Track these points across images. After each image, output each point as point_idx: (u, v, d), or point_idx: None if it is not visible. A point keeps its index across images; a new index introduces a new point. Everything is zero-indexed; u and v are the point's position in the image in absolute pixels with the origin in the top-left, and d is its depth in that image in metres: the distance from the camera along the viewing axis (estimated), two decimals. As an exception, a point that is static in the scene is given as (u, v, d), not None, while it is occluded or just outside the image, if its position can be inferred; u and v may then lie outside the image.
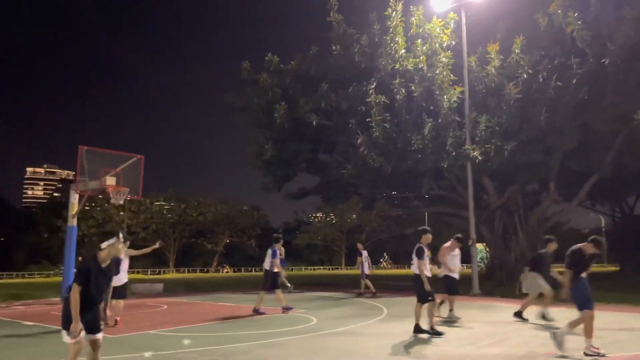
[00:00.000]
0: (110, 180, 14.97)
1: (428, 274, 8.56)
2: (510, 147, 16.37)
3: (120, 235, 5.09)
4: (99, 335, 5.10)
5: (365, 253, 17.54)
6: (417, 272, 8.52)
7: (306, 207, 73.71)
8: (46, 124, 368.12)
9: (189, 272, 54.31)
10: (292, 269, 50.02)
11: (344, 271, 54.90)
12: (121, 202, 16.06)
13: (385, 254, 53.11)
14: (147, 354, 6.86)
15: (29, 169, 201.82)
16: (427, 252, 8.59)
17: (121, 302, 10.17)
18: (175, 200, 55.45)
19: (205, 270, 55.56)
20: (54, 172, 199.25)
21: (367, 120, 18.03)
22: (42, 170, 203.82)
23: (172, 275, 47.22)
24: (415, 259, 8.57)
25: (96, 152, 15.51)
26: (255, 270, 56.57)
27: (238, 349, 7.31)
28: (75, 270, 4.62)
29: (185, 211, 54.66)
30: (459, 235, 10.85)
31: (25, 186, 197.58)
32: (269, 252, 11.83)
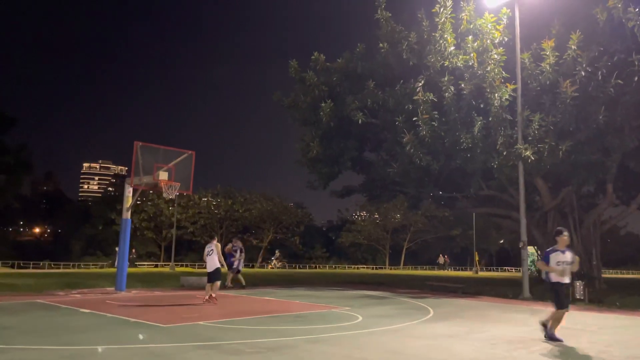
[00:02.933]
0: (163, 175, 15.45)
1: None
2: (566, 146, 15.75)
3: None
4: None
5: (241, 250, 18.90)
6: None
7: (350, 205, 73.39)
8: (100, 121, 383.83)
9: (234, 266, 55.30)
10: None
11: (388, 270, 54.48)
12: (173, 196, 16.54)
13: (277, 251, 49.07)
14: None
15: (85, 164, 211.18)
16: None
17: (217, 283, 12.76)
18: (222, 196, 56.62)
19: (251, 265, 56.52)
20: (108, 168, 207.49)
21: (414, 118, 17.80)
22: (97, 165, 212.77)
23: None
24: None
25: (150, 147, 16.04)
26: (299, 267, 57.08)
27: (284, 343, 7.40)
28: None
29: (232, 207, 55.68)
30: None
31: (81, 181, 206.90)
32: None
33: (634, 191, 21.74)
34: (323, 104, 20.02)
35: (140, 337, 7.38)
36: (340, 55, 22.20)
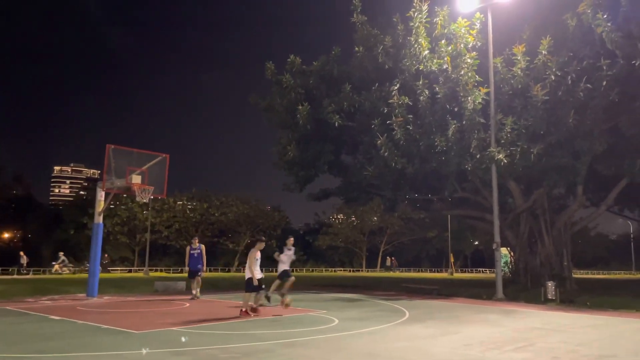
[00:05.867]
0: (136, 179, 15.21)
1: None
2: (537, 149, 16.07)
3: None
4: None
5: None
6: None
7: (327, 208, 73.55)
8: (73, 123, 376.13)
9: (210, 271, 54.79)
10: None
11: (365, 273, 54.71)
12: (146, 200, 16.29)
13: (60, 253, 41.65)
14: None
15: (56, 168, 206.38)
16: None
17: (248, 295, 11.02)
18: (197, 200, 56.02)
19: (227, 269, 56.01)
20: (80, 171, 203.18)
21: (388, 122, 17.93)
22: (68, 168, 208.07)
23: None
24: None
25: (123, 150, 15.78)
26: (275, 271, 56.71)
27: (260, 348, 7.33)
28: None
29: (207, 211, 55.14)
30: None
31: (52, 184, 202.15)
32: None
33: (603, 193, 22.30)
34: (300, 107, 20.00)
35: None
36: (316, 58, 22.25)
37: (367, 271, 60.26)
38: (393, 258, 61.02)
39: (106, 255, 40.92)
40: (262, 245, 11.39)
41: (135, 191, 15.37)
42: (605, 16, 15.21)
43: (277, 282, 13.94)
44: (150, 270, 43.37)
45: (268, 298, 12.97)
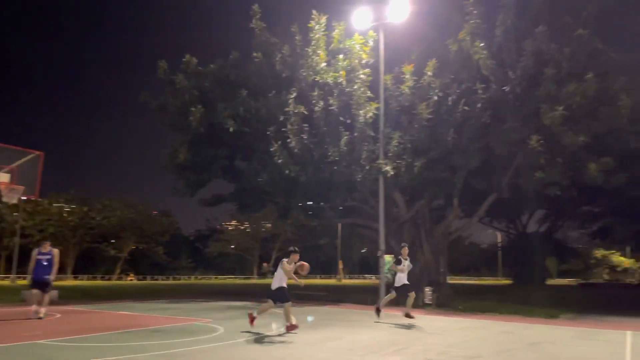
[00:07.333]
0: (3, 177, 13.71)
1: None
2: (420, 163, 17.15)
3: None
4: None
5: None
6: None
7: (220, 214, 72.20)
8: None
9: (89, 279, 51.00)
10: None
11: (256, 280, 54.40)
12: (15, 201, 14.78)
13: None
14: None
15: None
16: None
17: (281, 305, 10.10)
18: (77, 202, 51.98)
19: (107, 277, 52.54)
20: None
21: (283, 129, 18.08)
22: None
23: (69, 282, 44.12)
24: None
25: (-12, 145, 14.18)
26: (162, 279, 54.43)
27: (137, 360, 6.95)
28: None
29: (87, 214, 51.40)
30: None
31: None
32: None
33: (476, 205, 24.36)
34: (193, 109, 19.44)
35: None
36: (212, 61, 21.80)
37: (259, 278, 60.05)
38: (269, 264, 61.99)
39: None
40: (296, 256, 10.41)
41: (1, 191, 13.86)
42: (481, 44, 16.77)
43: (393, 294, 12.48)
44: (19, 278, 39.36)
45: (378, 311, 12.23)
